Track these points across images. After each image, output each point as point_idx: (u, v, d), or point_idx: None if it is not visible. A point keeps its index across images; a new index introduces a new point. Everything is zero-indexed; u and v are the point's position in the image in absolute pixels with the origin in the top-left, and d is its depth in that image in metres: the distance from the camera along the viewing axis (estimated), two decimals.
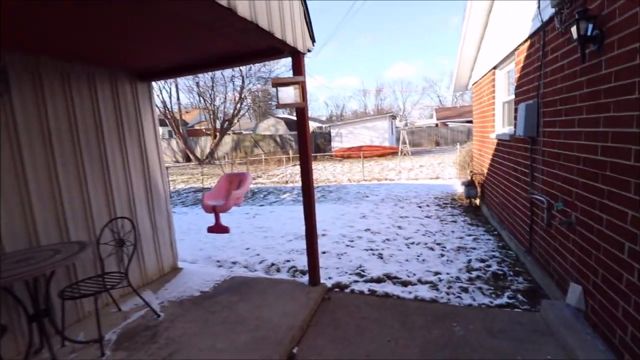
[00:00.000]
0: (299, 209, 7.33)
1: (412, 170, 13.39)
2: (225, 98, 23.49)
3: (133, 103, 3.69)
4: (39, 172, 2.77)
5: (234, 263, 4.36)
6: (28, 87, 2.72)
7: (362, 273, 3.71)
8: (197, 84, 24.25)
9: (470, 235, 4.79)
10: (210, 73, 23.24)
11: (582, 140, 2.37)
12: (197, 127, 35.52)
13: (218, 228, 3.50)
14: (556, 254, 2.89)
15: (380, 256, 4.16)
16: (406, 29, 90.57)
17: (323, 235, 5.17)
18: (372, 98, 62.13)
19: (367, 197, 8.09)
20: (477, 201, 6.54)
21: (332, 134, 23.59)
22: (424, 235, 4.90)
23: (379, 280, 3.51)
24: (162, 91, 23.29)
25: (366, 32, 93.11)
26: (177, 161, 29.21)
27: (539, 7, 3.00)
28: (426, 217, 5.94)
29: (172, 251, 4.21)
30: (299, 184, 12.28)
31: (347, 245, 4.64)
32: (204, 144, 26.96)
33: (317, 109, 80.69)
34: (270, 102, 38.92)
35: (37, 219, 2.71)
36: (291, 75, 2.99)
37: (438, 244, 4.50)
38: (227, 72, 23.40)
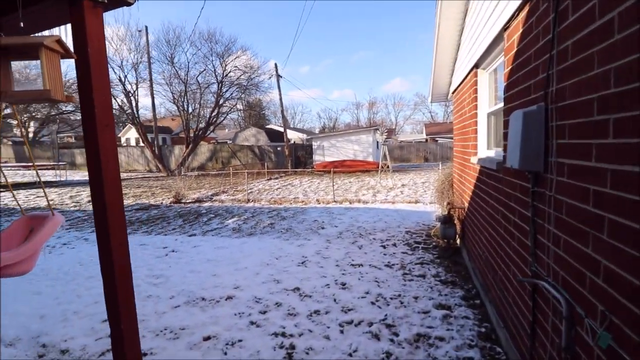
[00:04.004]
0: (233, 243, 5.74)
1: (392, 190, 11.91)
2: (200, 104, 21.95)
3: None
4: None
5: (65, 352, 2.72)
6: None
7: None
8: (171, 92, 22.75)
9: (440, 306, 3.24)
10: (182, 76, 21.73)
11: None
12: (182, 135, 33.78)
13: None
14: None
15: (290, 355, 2.57)
16: (405, 46, 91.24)
17: (228, 298, 3.55)
18: (364, 111, 61.31)
19: (323, 228, 6.50)
20: (458, 241, 5.04)
21: (313, 147, 22.14)
22: (373, 304, 3.33)
23: None
24: (131, 96, 21.66)
25: (367, 47, 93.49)
26: (150, 170, 27.36)
27: None
28: (387, 265, 4.38)
29: None
30: (260, 204, 10.69)
31: (252, 323, 3.04)
32: (179, 154, 25.25)
33: (310, 121, 79.64)
34: (255, 110, 37.45)
35: None
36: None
37: (389, 325, 2.93)
38: (204, 78, 22.02)
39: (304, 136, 33.89)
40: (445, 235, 4.78)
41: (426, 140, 35.16)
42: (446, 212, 4.89)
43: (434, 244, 5.24)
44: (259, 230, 6.54)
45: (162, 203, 10.94)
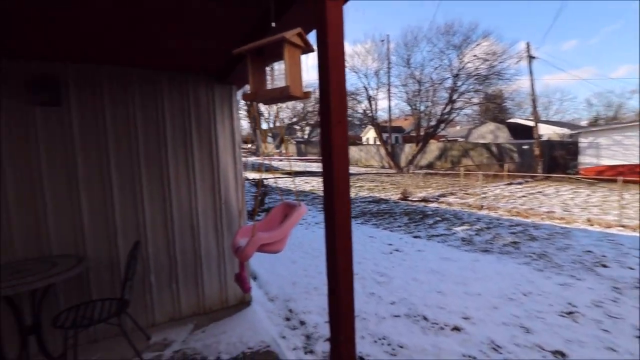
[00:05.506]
0: (463, 257, 4.94)
1: None
2: (432, 102, 21.57)
3: (207, 109, 3.22)
4: (93, 183, 2.73)
5: (302, 323, 3.12)
6: (87, 96, 2.70)
7: None
8: (406, 92, 23.72)
9: None
10: (417, 76, 22.02)
11: None
12: (412, 134, 35.24)
13: (237, 278, 2.40)
14: None
15: None
16: None
17: (455, 329, 2.90)
18: None
19: (605, 266, 4.33)
20: None
21: (580, 145, 16.51)
22: None
23: None
24: (372, 101, 24.40)
25: None
26: (383, 167, 30.09)
27: None
28: None
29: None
30: (497, 213, 8.91)
31: None
32: (409, 152, 26.16)
33: (574, 111, 60.64)
34: (496, 102, 32.79)
35: (85, 232, 2.69)
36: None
37: None
38: (438, 74, 21.42)
39: (564, 131, 26.11)
40: None
41: None
42: None
43: None
44: (497, 248, 5.32)
45: (390, 198, 11.53)
